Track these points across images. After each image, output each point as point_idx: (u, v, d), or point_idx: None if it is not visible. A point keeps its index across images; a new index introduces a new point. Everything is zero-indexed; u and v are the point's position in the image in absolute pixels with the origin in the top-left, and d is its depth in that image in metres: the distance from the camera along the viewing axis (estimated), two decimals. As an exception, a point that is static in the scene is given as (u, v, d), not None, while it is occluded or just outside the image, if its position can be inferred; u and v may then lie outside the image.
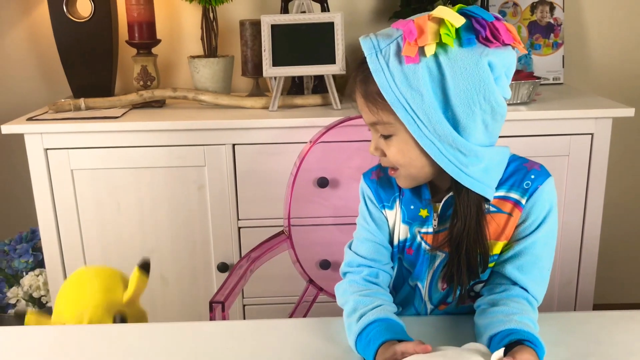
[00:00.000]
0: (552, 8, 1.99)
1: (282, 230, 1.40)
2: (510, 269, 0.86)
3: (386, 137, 0.84)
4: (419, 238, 0.92)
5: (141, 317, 1.12)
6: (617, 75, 2.08)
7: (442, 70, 0.77)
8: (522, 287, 0.86)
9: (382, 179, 0.95)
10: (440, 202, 0.89)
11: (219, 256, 1.70)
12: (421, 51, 0.77)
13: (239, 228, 1.69)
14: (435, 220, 0.90)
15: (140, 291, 1.10)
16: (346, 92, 0.88)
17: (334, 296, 1.40)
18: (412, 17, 0.80)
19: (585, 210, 1.69)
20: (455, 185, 0.84)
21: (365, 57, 0.81)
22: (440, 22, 0.77)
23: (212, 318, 1.12)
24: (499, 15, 0.80)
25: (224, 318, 1.11)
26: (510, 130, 1.55)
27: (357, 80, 0.85)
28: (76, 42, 1.78)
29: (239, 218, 1.68)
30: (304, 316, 1.37)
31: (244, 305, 1.75)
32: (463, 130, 0.80)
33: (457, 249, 0.86)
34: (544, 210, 0.87)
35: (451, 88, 0.77)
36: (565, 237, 1.70)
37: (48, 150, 1.61)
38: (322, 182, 1.48)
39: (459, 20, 0.76)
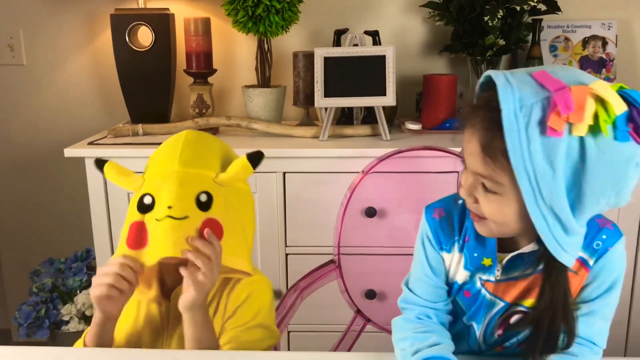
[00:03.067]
0: (604, 43, 1.98)
1: (331, 260, 1.42)
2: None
3: (487, 191, 0.78)
4: (479, 284, 0.90)
5: (246, 198, 1.02)
6: (671, 111, 2.05)
7: (585, 155, 0.70)
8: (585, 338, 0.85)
9: (444, 220, 0.91)
10: (505, 253, 0.86)
11: (266, 282, 1.73)
12: (567, 126, 0.69)
13: (287, 255, 1.72)
14: (498, 270, 0.88)
15: (238, 178, 1.00)
16: (461, 119, 0.79)
17: (380, 327, 1.41)
18: (566, 81, 0.71)
19: (637, 246, 1.66)
20: (548, 262, 0.80)
21: (494, 102, 0.72)
22: (600, 101, 0.69)
23: (263, 345, 1.14)
24: None
25: (275, 347, 1.13)
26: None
27: (481, 126, 0.75)
28: (136, 69, 1.86)
29: (287, 245, 1.71)
30: (351, 346, 1.38)
31: (289, 332, 1.77)
32: (579, 213, 0.74)
33: (539, 324, 0.83)
34: (613, 274, 0.84)
35: (588, 176, 0.70)
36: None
37: (107, 174, 1.67)
38: (370, 212, 1.50)
39: (621, 107, 0.69)
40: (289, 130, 1.79)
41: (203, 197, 0.95)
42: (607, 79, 1.98)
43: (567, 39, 1.99)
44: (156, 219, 0.93)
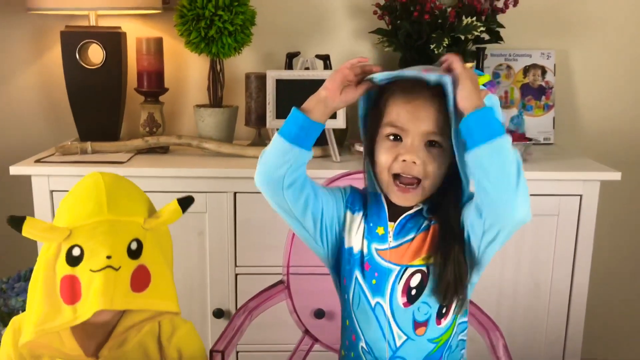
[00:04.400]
0: (543, 72, 2.08)
1: (280, 280, 1.43)
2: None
3: (433, 147, 0.97)
4: (375, 255, 1.02)
5: (167, 237, 1.04)
6: (604, 137, 2.17)
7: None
8: None
9: (357, 192, 1.09)
10: (395, 221, 1.02)
11: (215, 302, 1.73)
12: None
13: (236, 275, 1.72)
14: (390, 237, 1.02)
15: (168, 222, 1.03)
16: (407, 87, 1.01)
17: (328, 347, 1.43)
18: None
19: (573, 269, 1.74)
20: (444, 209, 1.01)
21: (434, 85, 0.94)
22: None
23: (211, 366, 1.14)
24: None
25: (223, 366, 1.14)
26: (502, 189, 1.61)
27: (431, 95, 0.95)
28: (86, 87, 1.84)
29: (237, 265, 1.71)
30: (299, 366, 1.40)
31: (237, 352, 1.76)
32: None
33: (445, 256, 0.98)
34: None
35: None
36: (554, 295, 1.74)
37: (54, 192, 1.65)
38: (320, 233, 1.53)
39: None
40: (240, 150, 1.81)
41: (134, 245, 0.95)
42: (547, 106, 2.07)
43: (509, 67, 2.09)
44: (91, 270, 0.90)
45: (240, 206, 1.68)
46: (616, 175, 1.67)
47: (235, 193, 1.68)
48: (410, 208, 1.02)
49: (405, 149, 0.97)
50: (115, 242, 0.93)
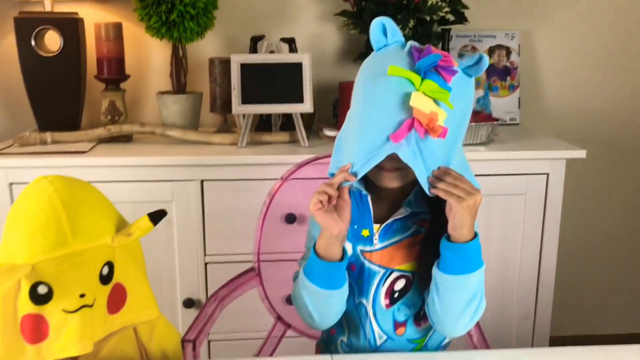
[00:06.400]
0: (508, 52, 2.09)
1: (251, 267, 1.41)
2: None
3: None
4: (360, 256, 1.01)
5: (137, 243, 0.96)
6: (569, 115, 2.20)
7: None
8: None
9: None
10: (381, 223, 1.00)
11: (185, 292, 1.70)
12: None
13: (206, 264, 1.69)
14: (376, 239, 1.00)
15: (138, 238, 0.94)
16: None
17: (300, 332, 1.42)
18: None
19: (541, 246, 1.76)
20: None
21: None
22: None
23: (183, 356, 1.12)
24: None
25: (194, 357, 1.12)
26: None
27: None
28: (44, 76, 1.78)
29: (206, 254, 1.69)
30: (272, 352, 1.38)
31: (209, 342, 1.74)
32: None
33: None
34: None
35: None
36: (523, 273, 1.77)
37: (13, 185, 1.59)
38: (290, 218, 1.51)
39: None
40: (206, 137, 1.77)
41: (105, 270, 0.88)
42: (512, 86, 2.09)
43: (474, 48, 2.09)
44: (64, 310, 0.84)
45: (208, 194, 1.65)
46: (581, 153, 1.69)
47: (202, 181, 1.64)
48: (398, 211, 0.98)
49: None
50: (87, 276, 0.86)
